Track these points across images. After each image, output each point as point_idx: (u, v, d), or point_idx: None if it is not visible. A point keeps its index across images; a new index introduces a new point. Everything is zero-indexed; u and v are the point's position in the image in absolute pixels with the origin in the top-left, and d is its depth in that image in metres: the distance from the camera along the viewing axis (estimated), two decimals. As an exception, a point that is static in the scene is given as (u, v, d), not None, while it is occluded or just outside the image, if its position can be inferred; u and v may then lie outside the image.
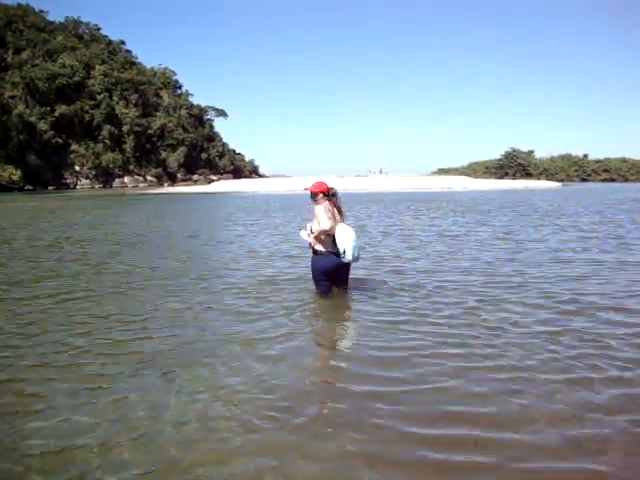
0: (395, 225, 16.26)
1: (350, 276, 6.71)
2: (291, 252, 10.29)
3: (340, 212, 6.44)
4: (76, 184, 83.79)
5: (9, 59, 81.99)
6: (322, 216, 6.13)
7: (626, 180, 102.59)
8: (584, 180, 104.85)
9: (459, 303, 6.14)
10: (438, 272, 8.10)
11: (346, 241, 6.13)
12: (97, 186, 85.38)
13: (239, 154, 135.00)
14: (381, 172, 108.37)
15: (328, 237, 6.21)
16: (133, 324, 5.41)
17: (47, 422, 3.32)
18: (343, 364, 4.35)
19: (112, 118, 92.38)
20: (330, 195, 6.38)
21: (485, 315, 5.60)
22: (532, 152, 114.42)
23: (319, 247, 6.27)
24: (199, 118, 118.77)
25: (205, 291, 6.99)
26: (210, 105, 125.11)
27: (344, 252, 6.14)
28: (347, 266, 6.48)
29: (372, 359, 4.35)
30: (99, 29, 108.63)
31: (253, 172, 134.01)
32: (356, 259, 6.31)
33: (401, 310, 5.85)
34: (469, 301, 6.22)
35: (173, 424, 3.27)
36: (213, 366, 4.20)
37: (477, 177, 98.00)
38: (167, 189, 70.74)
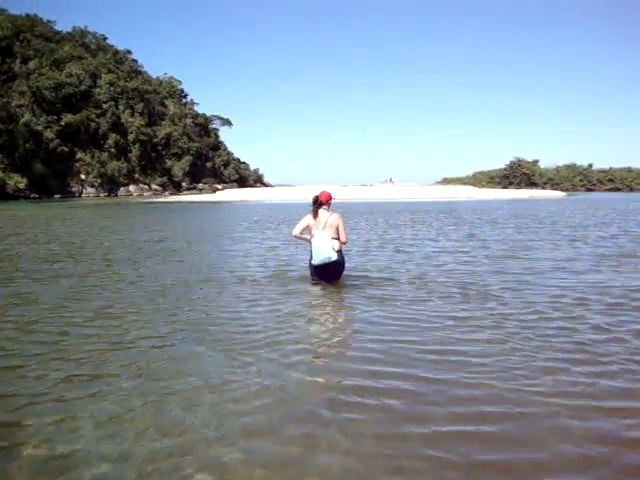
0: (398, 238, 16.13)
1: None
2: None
3: (319, 220, 7.44)
4: (81, 192, 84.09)
5: (17, 68, 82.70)
6: (297, 222, 7.66)
7: (631, 190, 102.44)
8: (589, 190, 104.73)
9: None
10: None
11: (313, 248, 7.36)
12: (102, 194, 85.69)
13: (244, 163, 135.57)
14: (391, 181, 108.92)
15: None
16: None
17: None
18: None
19: (118, 127, 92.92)
20: (314, 204, 7.49)
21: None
22: (537, 162, 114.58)
23: (309, 247, 7.57)
24: (204, 127, 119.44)
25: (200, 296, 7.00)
26: (215, 114, 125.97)
27: (311, 254, 7.46)
28: (329, 266, 7.41)
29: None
30: (105, 39, 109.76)
31: (258, 181, 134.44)
32: (324, 264, 7.34)
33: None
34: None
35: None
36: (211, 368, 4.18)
37: (482, 187, 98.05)
38: (168, 198, 70.99)
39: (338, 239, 7.40)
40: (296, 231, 7.56)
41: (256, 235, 16.51)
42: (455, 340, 5.10)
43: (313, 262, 7.44)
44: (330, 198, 7.62)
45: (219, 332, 5.45)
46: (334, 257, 7.29)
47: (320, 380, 4.20)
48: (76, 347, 4.97)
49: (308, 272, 7.93)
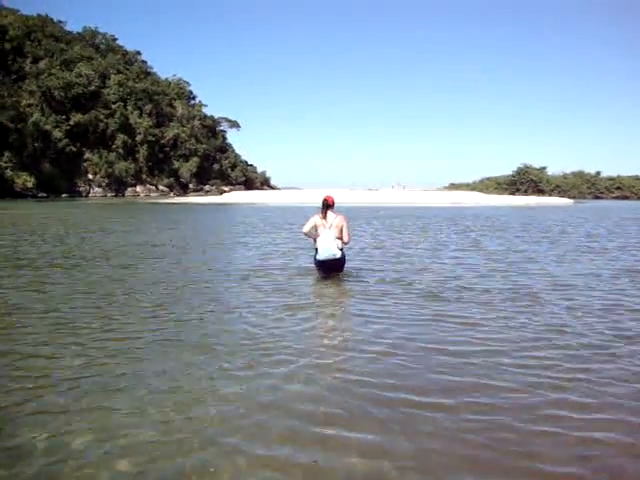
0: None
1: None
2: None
3: (326, 221, 8.40)
4: (89, 192, 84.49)
5: (27, 68, 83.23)
6: (307, 221, 8.64)
7: (639, 198, 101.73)
8: (597, 197, 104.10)
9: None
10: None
11: (319, 245, 8.35)
12: (109, 194, 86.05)
13: (251, 165, 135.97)
14: (399, 185, 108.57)
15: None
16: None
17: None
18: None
19: (126, 127, 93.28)
20: (322, 207, 8.52)
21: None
22: (544, 168, 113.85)
23: (314, 245, 8.57)
24: (212, 129, 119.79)
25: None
26: (223, 116, 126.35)
27: (316, 251, 8.46)
28: (332, 262, 8.40)
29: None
30: (115, 39, 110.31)
31: (264, 184, 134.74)
32: (328, 260, 8.32)
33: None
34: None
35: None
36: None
37: (489, 193, 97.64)
38: (175, 199, 71.08)
39: (341, 238, 8.37)
40: (306, 229, 8.60)
41: (254, 240, 16.20)
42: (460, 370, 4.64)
43: (318, 257, 8.41)
44: (334, 201, 8.62)
45: (213, 340, 5.35)
46: (338, 255, 8.34)
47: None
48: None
49: (296, 285, 8.21)
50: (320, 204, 8.69)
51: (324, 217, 8.44)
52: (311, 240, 8.82)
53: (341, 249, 8.39)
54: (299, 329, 5.72)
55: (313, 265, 8.92)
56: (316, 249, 8.48)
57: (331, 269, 8.55)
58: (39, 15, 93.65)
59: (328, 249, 8.27)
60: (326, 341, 5.43)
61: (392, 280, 8.66)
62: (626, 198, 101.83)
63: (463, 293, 7.67)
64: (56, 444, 3.18)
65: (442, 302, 7.07)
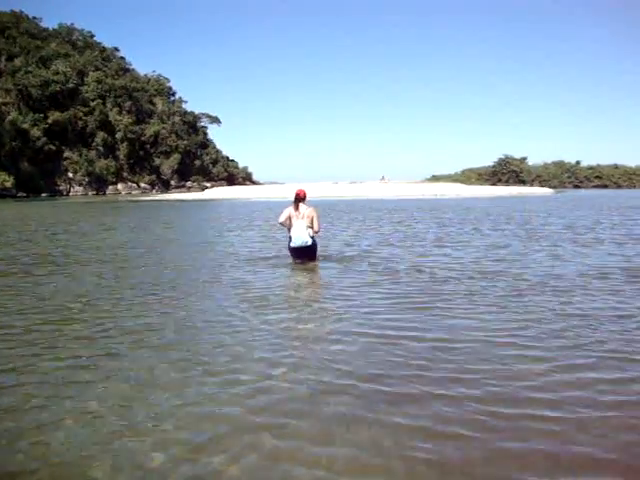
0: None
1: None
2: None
3: (298, 212, 9.27)
4: (69, 191, 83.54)
5: (2, 66, 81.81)
6: (282, 212, 9.48)
7: (618, 187, 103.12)
8: (576, 187, 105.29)
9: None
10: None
11: (292, 233, 9.29)
12: (90, 193, 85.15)
13: (232, 161, 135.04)
14: (383, 179, 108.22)
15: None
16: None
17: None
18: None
19: (106, 125, 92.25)
20: (295, 200, 9.37)
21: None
22: (525, 159, 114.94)
23: (288, 234, 9.50)
24: (193, 125, 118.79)
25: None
26: (204, 112, 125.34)
27: (290, 239, 9.40)
28: (304, 249, 9.32)
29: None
30: (93, 36, 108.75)
31: (247, 179, 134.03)
32: (301, 247, 9.26)
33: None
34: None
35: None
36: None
37: (470, 184, 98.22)
38: (156, 196, 70.58)
39: (312, 227, 9.27)
40: (281, 219, 9.45)
41: (227, 236, 16.21)
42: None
43: (292, 244, 9.35)
44: (306, 195, 9.46)
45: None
46: (309, 242, 9.31)
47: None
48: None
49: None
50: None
51: (296, 209, 9.33)
52: (285, 230, 9.74)
53: (312, 237, 9.36)
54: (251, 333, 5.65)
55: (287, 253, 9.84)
56: (290, 237, 9.42)
57: (303, 255, 9.47)
58: (13, 11, 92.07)
59: (300, 237, 9.25)
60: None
61: (366, 283, 7.86)
62: (605, 187, 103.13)
63: (442, 297, 6.81)
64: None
65: (417, 311, 6.11)
